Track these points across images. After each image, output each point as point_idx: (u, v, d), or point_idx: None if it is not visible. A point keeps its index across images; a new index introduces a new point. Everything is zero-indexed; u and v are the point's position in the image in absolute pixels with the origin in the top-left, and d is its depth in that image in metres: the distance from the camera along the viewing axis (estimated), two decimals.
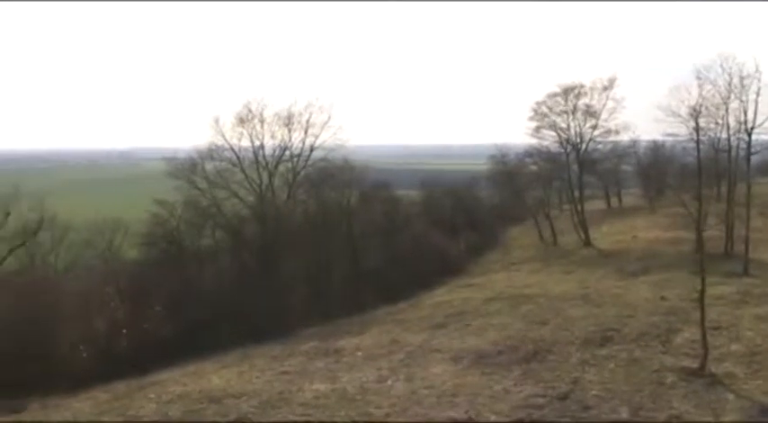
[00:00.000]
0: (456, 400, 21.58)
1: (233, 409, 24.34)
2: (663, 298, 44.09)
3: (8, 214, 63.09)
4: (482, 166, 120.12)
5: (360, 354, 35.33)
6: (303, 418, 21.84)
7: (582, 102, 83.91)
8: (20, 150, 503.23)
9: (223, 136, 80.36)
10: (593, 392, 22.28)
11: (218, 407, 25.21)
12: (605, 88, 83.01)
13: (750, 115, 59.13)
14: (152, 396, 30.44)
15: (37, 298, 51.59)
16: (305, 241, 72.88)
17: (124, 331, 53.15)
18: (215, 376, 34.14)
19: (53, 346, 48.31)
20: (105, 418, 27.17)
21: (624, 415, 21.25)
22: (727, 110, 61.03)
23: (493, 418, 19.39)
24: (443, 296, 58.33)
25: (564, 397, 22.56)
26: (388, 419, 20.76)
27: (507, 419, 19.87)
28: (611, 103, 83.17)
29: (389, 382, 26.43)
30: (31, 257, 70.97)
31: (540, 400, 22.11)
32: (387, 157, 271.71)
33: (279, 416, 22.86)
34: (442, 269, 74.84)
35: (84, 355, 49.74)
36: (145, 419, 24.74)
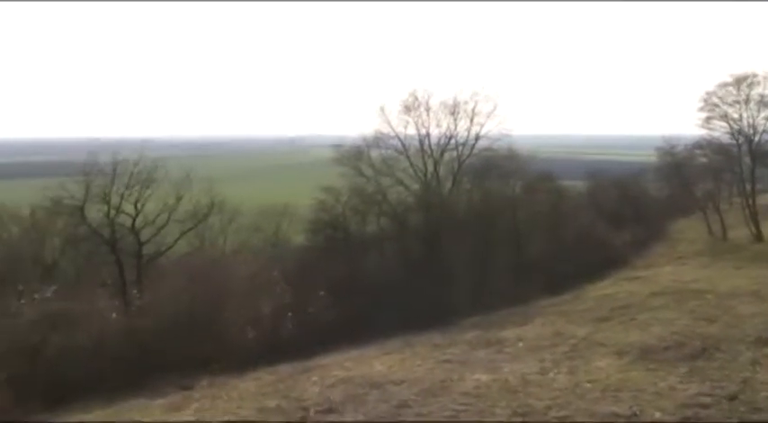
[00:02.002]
0: (620, 395, 21.13)
1: (394, 396, 24.52)
2: None
3: (180, 198, 65.63)
4: (648, 157, 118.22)
5: (522, 345, 35.04)
6: (463, 408, 21.83)
7: (755, 92, 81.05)
8: (194, 137, 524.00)
9: (389, 124, 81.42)
10: (764, 394, 21.49)
11: (380, 392, 25.44)
12: None
13: None
14: (315, 379, 30.93)
15: (208, 279, 53.31)
16: (469, 230, 72.95)
17: (289, 314, 54.46)
18: (377, 362, 34.43)
19: (222, 327, 49.84)
20: (269, 400, 27.88)
21: None
22: None
23: (657, 415, 18.90)
24: (607, 289, 57.38)
25: (733, 397, 21.82)
26: (549, 412, 20.56)
27: (672, 417, 19.38)
28: None
29: (551, 375, 26.11)
30: (200, 240, 73.56)
31: (707, 399, 21.44)
32: (549, 147, 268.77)
33: (439, 404, 22.91)
34: (606, 261, 74.02)
35: (251, 336, 51.17)
36: (308, 402, 25.22)
